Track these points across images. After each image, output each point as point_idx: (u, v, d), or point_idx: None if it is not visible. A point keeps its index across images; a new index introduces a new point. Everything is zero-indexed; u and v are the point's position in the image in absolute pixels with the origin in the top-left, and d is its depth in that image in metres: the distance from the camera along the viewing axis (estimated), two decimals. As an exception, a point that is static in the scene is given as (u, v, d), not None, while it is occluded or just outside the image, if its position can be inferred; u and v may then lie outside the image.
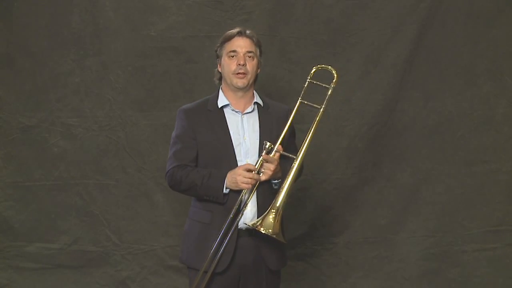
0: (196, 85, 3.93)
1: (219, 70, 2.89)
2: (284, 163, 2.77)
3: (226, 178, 2.71)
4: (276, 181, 2.80)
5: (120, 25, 3.89)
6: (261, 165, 2.70)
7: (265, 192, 2.78)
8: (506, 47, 3.97)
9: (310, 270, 4.05)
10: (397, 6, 3.92)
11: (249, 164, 2.72)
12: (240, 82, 2.79)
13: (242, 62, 2.78)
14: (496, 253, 4.04)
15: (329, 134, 3.97)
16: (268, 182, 2.76)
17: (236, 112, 2.84)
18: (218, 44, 2.88)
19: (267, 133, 2.82)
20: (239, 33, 2.82)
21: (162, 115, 3.94)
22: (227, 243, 2.72)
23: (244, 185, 2.67)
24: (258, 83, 3.97)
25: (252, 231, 2.72)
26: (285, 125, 2.80)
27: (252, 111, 2.87)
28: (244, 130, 2.82)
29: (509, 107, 4.00)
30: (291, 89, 3.87)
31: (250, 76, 2.81)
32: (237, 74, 2.79)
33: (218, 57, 2.88)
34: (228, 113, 2.84)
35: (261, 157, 2.70)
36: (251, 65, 2.81)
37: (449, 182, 4.03)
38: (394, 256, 4.06)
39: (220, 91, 2.89)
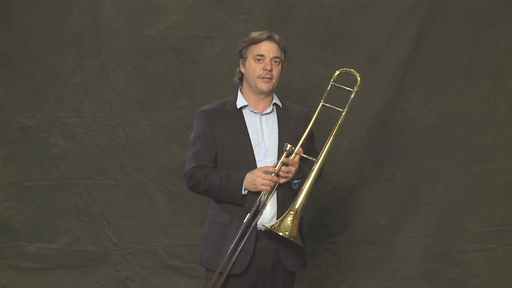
0: (196, 85, 3.93)
1: (242, 70, 2.88)
2: (303, 165, 2.77)
3: (244, 180, 2.71)
4: (296, 181, 2.80)
5: (120, 25, 3.89)
6: (281, 168, 2.70)
7: (285, 193, 2.78)
8: (506, 47, 3.96)
9: (310, 270, 4.05)
10: (397, 6, 3.92)
11: (270, 166, 2.72)
12: (265, 87, 2.80)
13: (269, 68, 2.78)
14: (496, 253, 4.04)
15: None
16: (288, 183, 2.76)
17: (255, 113, 2.85)
18: (243, 44, 2.86)
19: (286, 133, 2.83)
20: (268, 38, 2.81)
21: (162, 115, 3.94)
22: (244, 245, 2.71)
23: (263, 187, 2.67)
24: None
25: (271, 234, 2.72)
26: (304, 127, 2.83)
27: (271, 112, 2.87)
28: (263, 130, 2.83)
29: (509, 107, 4.00)
30: (291, 89, 3.87)
31: (275, 81, 2.82)
32: (262, 78, 2.79)
33: (242, 58, 2.86)
34: (246, 114, 2.85)
35: (281, 159, 2.70)
36: (276, 70, 2.82)
37: (449, 182, 4.03)
38: (394, 256, 4.06)
39: (239, 93, 2.89)
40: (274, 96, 2.90)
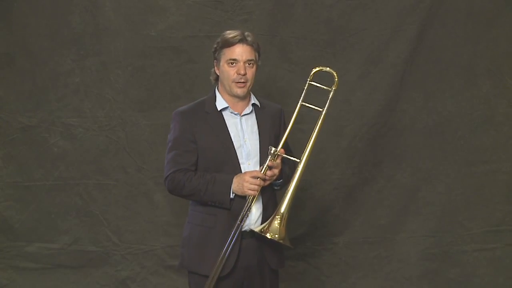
0: (196, 85, 3.93)
1: (216, 72, 2.84)
2: (282, 164, 2.77)
3: (232, 184, 2.69)
4: (278, 182, 2.81)
5: (120, 25, 3.88)
6: (266, 171, 2.69)
7: (268, 194, 2.78)
8: (506, 47, 3.96)
9: (310, 270, 4.05)
10: (397, 6, 3.92)
11: (257, 171, 2.69)
12: (240, 91, 2.77)
13: (243, 72, 2.74)
14: (496, 253, 4.04)
15: (329, 134, 3.97)
16: (269, 184, 2.76)
17: (235, 114, 2.82)
18: (216, 46, 2.81)
19: (266, 134, 2.81)
20: (241, 41, 2.75)
21: (162, 115, 3.94)
22: (233, 246, 2.71)
23: (250, 192, 2.66)
24: (258, 83, 3.98)
25: (253, 232, 2.71)
26: (279, 124, 2.85)
27: (250, 112, 2.85)
28: (243, 132, 2.80)
29: (509, 107, 4.00)
30: (291, 89, 3.87)
31: (249, 84, 2.78)
32: (237, 83, 2.75)
33: (216, 59, 2.82)
34: (226, 115, 2.82)
35: (267, 163, 2.68)
36: (250, 73, 2.77)
37: (449, 182, 4.03)
38: (394, 256, 4.06)
39: (218, 93, 2.85)
40: (252, 95, 2.87)
